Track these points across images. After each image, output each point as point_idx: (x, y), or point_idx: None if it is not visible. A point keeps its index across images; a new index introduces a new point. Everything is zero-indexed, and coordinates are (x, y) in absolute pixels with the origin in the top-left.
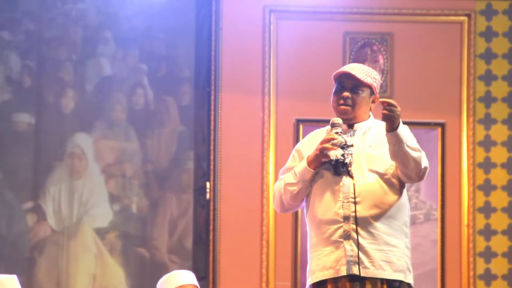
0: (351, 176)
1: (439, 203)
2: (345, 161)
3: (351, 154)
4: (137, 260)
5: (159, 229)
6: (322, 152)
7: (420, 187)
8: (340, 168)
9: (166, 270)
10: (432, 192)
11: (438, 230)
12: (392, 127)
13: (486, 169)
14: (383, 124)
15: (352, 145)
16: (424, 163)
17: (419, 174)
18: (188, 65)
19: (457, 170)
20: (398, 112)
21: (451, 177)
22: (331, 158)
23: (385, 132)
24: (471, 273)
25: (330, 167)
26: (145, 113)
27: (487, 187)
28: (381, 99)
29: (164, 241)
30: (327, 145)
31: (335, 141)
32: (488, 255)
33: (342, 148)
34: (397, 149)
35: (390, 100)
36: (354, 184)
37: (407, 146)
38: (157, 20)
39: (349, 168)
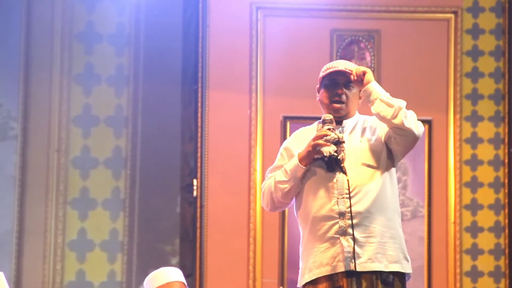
0: (345, 172)
1: (426, 200)
2: (338, 157)
3: (343, 150)
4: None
5: (145, 226)
6: (315, 149)
7: (407, 184)
8: (334, 164)
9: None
10: (419, 189)
11: (425, 227)
12: (367, 81)
13: (473, 166)
14: (369, 117)
15: (344, 141)
16: (410, 112)
17: (410, 124)
18: (175, 62)
19: (444, 167)
20: (366, 69)
21: (438, 174)
22: (325, 154)
23: (371, 123)
24: (458, 270)
25: (322, 164)
26: (132, 110)
27: (474, 184)
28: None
29: (152, 238)
30: (320, 141)
31: (328, 137)
32: (475, 252)
33: (335, 144)
34: (377, 103)
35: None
36: (348, 180)
37: (386, 97)
38: (144, 17)
39: (342, 164)
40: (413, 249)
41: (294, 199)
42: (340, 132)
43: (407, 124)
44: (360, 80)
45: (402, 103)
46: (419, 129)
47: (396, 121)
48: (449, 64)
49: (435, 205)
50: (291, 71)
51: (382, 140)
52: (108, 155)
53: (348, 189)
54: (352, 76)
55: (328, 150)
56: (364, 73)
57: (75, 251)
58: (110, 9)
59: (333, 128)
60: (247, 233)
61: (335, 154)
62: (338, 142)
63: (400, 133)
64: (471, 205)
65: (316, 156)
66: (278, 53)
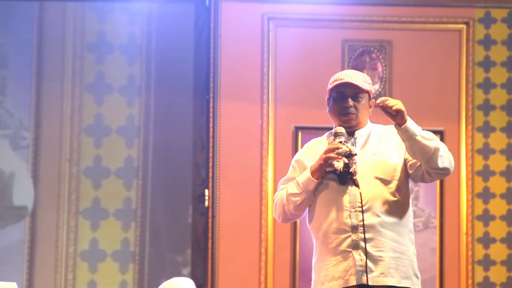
0: (357, 185)
1: (438, 211)
2: (350, 170)
3: (355, 163)
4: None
5: (157, 236)
6: (326, 162)
7: (419, 194)
8: (346, 178)
9: (164, 278)
10: (431, 200)
11: (437, 238)
12: (401, 121)
13: (485, 177)
14: (383, 127)
15: (356, 154)
16: (444, 148)
17: (445, 163)
18: (186, 72)
19: (456, 178)
20: (397, 105)
21: (450, 185)
22: (336, 167)
23: (385, 134)
24: (470, 281)
25: (335, 177)
26: (144, 119)
27: (486, 195)
28: (377, 101)
29: (163, 248)
30: (332, 154)
31: (339, 151)
32: (487, 263)
33: (347, 157)
34: (413, 143)
35: (382, 98)
36: (360, 193)
37: (422, 137)
38: (155, 27)
39: (354, 177)
40: (425, 260)
41: (306, 211)
42: (352, 144)
43: (442, 165)
44: (393, 114)
45: (437, 142)
46: (452, 164)
47: (432, 163)
48: (461, 74)
49: (447, 216)
50: (303, 82)
51: (402, 156)
52: (119, 165)
53: (361, 202)
54: (386, 109)
55: (340, 163)
56: (398, 111)
57: (87, 261)
58: (121, 19)
59: (344, 141)
60: (258, 243)
61: (347, 167)
62: (349, 155)
63: (435, 171)
64: (483, 215)
65: (328, 169)
66: (290, 63)
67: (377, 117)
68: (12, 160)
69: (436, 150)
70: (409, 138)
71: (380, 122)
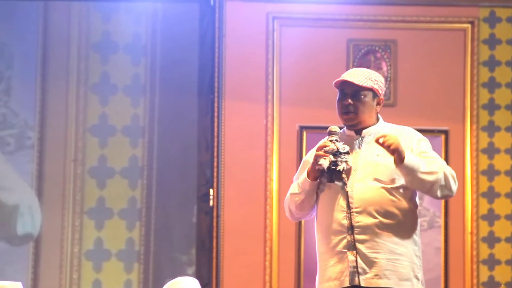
0: (345, 184)
1: (443, 210)
2: (337, 169)
3: (345, 161)
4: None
5: (162, 235)
6: (316, 160)
7: (424, 194)
8: (332, 176)
9: (169, 277)
10: (436, 199)
11: (442, 238)
12: (399, 157)
13: (490, 177)
14: (395, 127)
15: (347, 152)
16: (444, 177)
17: (444, 192)
18: (191, 72)
19: (460, 177)
20: (394, 145)
21: None
22: (322, 165)
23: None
24: (475, 281)
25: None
26: (149, 119)
27: (490, 195)
28: (375, 140)
29: (168, 248)
30: (320, 152)
31: (326, 149)
32: (492, 262)
33: (334, 155)
34: (412, 179)
35: (379, 136)
36: (347, 192)
37: (422, 173)
38: (160, 27)
39: (343, 176)
40: (429, 259)
41: (313, 210)
42: (359, 143)
43: (441, 194)
44: (392, 151)
45: (437, 175)
46: (454, 189)
47: (432, 194)
48: (466, 74)
49: (452, 215)
50: (307, 81)
51: None
52: (124, 164)
53: (347, 203)
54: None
55: (326, 161)
56: (394, 150)
57: (92, 260)
58: (126, 19)
59: (336, 139)
60: (263, 243)
61: (334, 166)
62: (337, 153)
63: (436, 198)
64: (488, 215)
65: (317, 168)
66: (295, 62)
67: (384, 117)
68: (17, 190)
69: (436, 183)
70: (408, 174)
71: (387, 121)
